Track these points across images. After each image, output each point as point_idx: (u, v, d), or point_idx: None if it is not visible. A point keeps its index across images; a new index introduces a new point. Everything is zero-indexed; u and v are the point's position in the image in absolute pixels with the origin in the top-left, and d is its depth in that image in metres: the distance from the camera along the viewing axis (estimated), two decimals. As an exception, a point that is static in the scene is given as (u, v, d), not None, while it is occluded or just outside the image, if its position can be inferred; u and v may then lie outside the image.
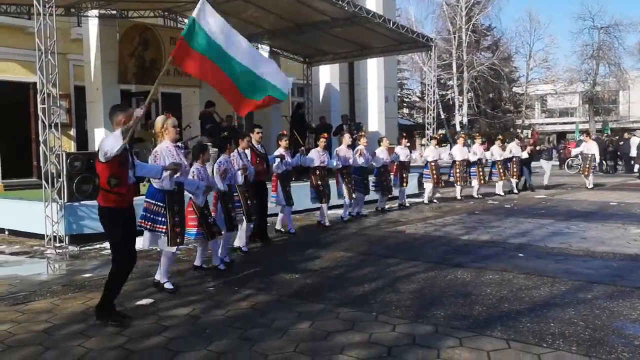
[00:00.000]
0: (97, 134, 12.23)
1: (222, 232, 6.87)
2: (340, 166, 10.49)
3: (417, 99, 44.79)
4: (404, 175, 12.65)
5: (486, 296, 5.40)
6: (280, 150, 9.11)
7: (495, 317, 4.74)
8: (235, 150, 7.58)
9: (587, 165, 16.76)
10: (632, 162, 23.20)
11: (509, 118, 41.11)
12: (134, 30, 13.55)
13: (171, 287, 5.88)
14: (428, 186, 13.73)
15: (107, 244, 8.65)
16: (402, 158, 12.45)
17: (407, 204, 13.06)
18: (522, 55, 46.03)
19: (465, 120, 36.21)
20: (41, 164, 8.88)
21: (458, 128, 33.87)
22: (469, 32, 35.80)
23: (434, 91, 16.79)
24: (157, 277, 6.00)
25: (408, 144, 12.91)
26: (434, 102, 16.50)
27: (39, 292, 5.98)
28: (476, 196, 14.71)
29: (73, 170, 8.84)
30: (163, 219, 5.72)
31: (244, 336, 4.44)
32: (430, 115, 16.25)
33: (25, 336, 4.54)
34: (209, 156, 7.14)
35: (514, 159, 15.79)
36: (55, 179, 8.66)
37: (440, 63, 36.78)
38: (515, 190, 15.90)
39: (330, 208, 10.45)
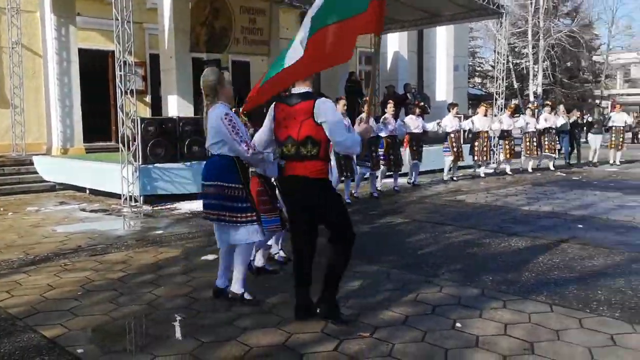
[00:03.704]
0: (170, 101, 12.77)
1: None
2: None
3: (490, 68, 43.55)
4: (414, 148, 11.25)
5: (537, 264, 5.47)
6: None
7: (542, 284, 4.83)
8: None
9: (614, 139, 15.23)
10: None
11: (587, 88, 39.32)
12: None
13: (250, 297, 4.43)
14: (447, 160, 12.38)
15: (178, 204, 9.27)
16: (412, 129, 11.13)
17: (416, 182, 11.56)
18: (604, 21, 43.83)
19: (539, 90, 34.98)
20: (119, 129, 9.46)
21: (532, 98, 32.79)
22: (547, -2, 34.32)
23: (505, 61, 16.37)
24: (235, 288, 4.42)
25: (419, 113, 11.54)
26: (503, 72, 16.14)
27: (115, 245, 6.51)
28: (508, 171, 13.49)
29: (147, 135, 9.38)
30: (244, 204, 4.30)
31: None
32: (500, 85, 15.92)
33: (102, 282, 5.02)
34: None
35: (551, 131, 14.30)
36: (130, 143, 9.23)
37: (515, 30, 35.54)
38: (552, 168, 14.49)
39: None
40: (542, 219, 7.83)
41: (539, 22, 34.48)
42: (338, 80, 17.17)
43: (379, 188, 10.31)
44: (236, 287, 4.39)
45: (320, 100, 3.87)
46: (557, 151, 14.73)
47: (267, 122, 4.13)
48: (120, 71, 9.15)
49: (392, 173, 10.56)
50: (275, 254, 5.68)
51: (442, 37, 21.27)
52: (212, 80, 4.28)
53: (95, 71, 14.60)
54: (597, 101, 37.16)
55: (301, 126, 3.84)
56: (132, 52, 9.29)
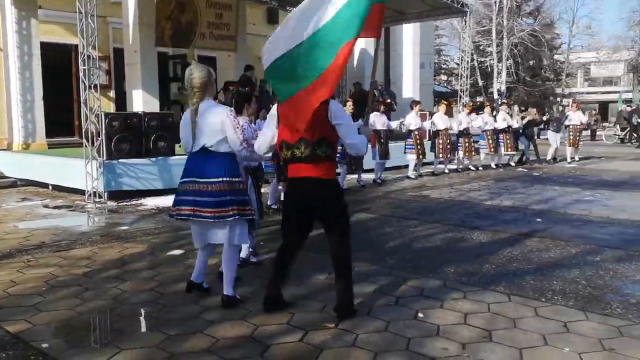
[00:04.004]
0: (135, 96, 12.64)
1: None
2: None
3: (455, 66, 44.20)
4: (382, 146, 11.14)
5: (497, 256, 5.64)
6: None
7: (501, 275, 5.00)
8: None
9: (571, 137, 15.58)
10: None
11: (548, 86, 40.29)
12: (171, -7, 13.82)
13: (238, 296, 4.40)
14: (411, 158, 12.27)
15: (144, 200, 9.22)
16: (378, 126, 10.98)
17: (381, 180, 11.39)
18: (565, 21, 44.79)
19: (503, 87, 35.64)
20: (82, 124, 9.35)
21: (496, 96, 33.40)
22: (510, -3, 34.99)
23: (470, 59, 16.66)
24: (230, 291, 4.30)
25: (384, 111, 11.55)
26: (468, 70, 16.44)
27: (80, 241, 6.46)
28: (471, 167, 13.86)
29: (111, 130, 9.29)
30: (247, 197, 4.39)
31: (265, 284, 4.77)
32: (464, 82, 16.21)
33: (66, 278, 4.99)
34: (255, 109, 5.65)
35: (509, 129, 14.51)
36: (94, 138, 9.12)
37: (480, 29, 36.16)
38: (512, 164, 14.91)
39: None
40: (503, 213, 8.05)
41: (502, 21, 35.14)
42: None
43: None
44: (231, 290, 4.28)
45: (333, 102, 3.89)
46: (516, 149, 15.00)
47: (271, 123, 4.04)
48: (83, 65, 9.03)
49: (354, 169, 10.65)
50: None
51: (409, 34, 21.51)
52: (203, 77, 4.15)
53: (58, 65, 14.34)
54: (559, 99, 38.05)
55: (316, 127, 3.80)
56: (96, 46, 9.18)
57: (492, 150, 14.15)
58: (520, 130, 15.19)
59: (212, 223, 4.20)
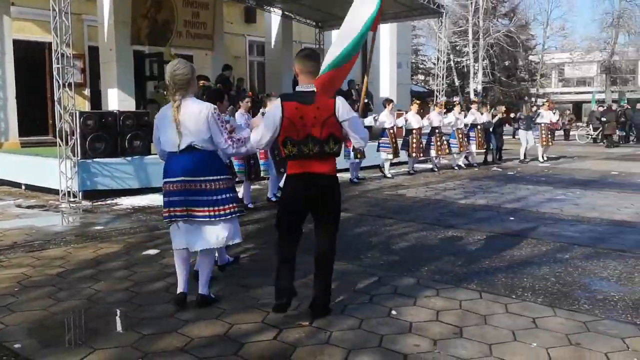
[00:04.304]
0: (110, 94, 12.55)
1: None
2: None
3: (433, 66, 44.57)
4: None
5: (470, 254, 5.74)
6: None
7: (474, 273, 5.08)
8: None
9: (543, 136, 15.70)
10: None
11: (523, 86, 40.87)
12: (147, -9, 13.74)
13: (214, 296, 4.42)
14: (385, 156, 12.24)
15: (119, 200, 9.17)
16: None
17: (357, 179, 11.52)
18: (540, 22, 45.51)
19: (479, 87, 36.08)
20: (56, 123, 9.25)
21: (472, 96, 33.79)
22: (486, -2, 35.42)
23: (446, 59, 16.81)
24: (205, 290, 4.28)
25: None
26: (444, 70, 16.60)
27: (54, 241, 6.40)
28: (435, 169, 13.68)
29: (86, 129, 9.21)
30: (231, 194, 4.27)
31: (241, 283, 4.82)
32: (441, 82, 16.37)
33: (39, 278, 4.95)
34: (227, 106, 6.03)
35: (479, 127, 14.62)
36: (69, 137, 9.04)
37: (457, 29, 36.53)
38: (488, 161, 15.12)
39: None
40: (477, 212, 8.17)
41: (478, 21, 35.59)
42: (282, 78, 17.28)
43: None
44: (206, 289, 4.24)
45: (339, 98, 3.90)
46: (487, 147, 15.15)
47: (272, 121, 3.91)
48: (57, 64, 8.94)
49: None
50: None
51: (386, 34, 21.61)
52: (187, 74, 4.03)
53: (32, 63, 14.18)
54: (533, 99, 38.58)
55: (324, 125, 3.82)
56: (70, 44, 9.09)
57: (462, 148, 14.23)
58: (491, 129, 15.38)
59: (207, 222, 4.10)
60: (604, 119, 23.01)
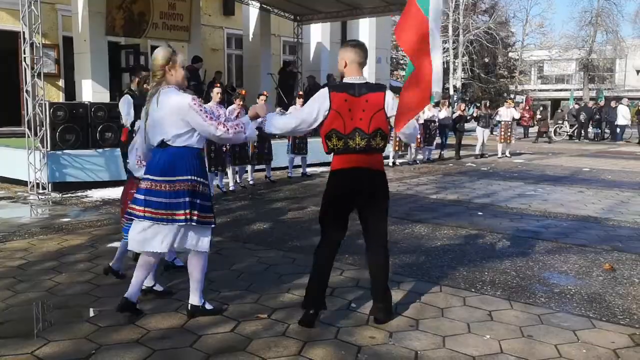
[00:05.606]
0: (84, 86, 12.36)
1: None
2: None
3: (413, 61, 44.61)
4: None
5: (434, 248, 5.79)
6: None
7: (436, 266, 5.13)
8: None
9: (503, 133, 16.06)
10: (618, 129, 23.51)
11: (502, 83, 41.20)
12: (123, -19, 13.57)
13: (211, 306, 4.03)
14: None
15: (90, 192, 9.08)
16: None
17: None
18: (519, 19, 45.97)
19: (459, 84, 36.30)
20: (26, 113, 9.12)
21: (452, 92, 33.99)
22: (466, -6, 35.61)
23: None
24: (197, 300, 3.92)
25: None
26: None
27: (18, 233, 6.33)
28: (390, 164, 13.57)
29: (56, 120, 9.10)
30: (210, 203, 3.90)
31: (208, 277, 4.79)
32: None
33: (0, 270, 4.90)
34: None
35: (433, 124, 14.77)
36: (38, 128, 8.92)
37: (437, 25, 36.60)
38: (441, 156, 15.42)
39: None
40: (446, 207, 8.23)
41: (458, 18, 35.75)
42: (260, 72, 17.22)
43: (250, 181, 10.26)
44: (197, 299, 3.89)
45: (389, 92, 3.73)
46: (442, 143, 15.47)
47: (316, 110, 3.69)
48: (27, 53, 8.81)
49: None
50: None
51: (365, 29, 21.57)
52: (160, 59, 3.65)
53: (4, 53, 13.94)
54: (512, 96, 38.90)
55: (372, 119, 3.64)
56: (41, 33, 8.96)
57: (420, 145, 14.26)
58: (449, 124, 15.65)
59: (163, 226, 3.69)
60: (583, 117, 23.32)
